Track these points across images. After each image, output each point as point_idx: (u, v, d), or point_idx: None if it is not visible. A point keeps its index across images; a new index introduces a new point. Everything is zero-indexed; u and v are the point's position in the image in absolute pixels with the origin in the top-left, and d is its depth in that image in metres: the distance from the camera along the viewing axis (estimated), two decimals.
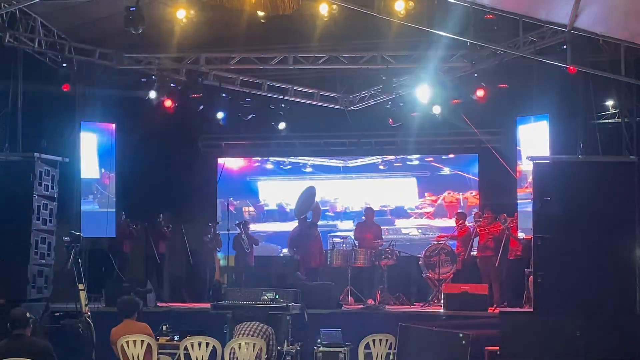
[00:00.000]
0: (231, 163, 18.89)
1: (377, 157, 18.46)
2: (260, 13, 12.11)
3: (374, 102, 17.03)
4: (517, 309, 13.33)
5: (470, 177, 17.96)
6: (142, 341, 9.48)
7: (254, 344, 9.72)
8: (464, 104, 15.33)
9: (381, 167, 18.50)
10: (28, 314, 7.73)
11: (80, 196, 15.03)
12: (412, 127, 16.70)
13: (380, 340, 10.36)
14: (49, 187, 13.20)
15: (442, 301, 13.67)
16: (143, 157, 16.79)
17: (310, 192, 16.67)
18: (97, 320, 10.70)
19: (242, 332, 9.93)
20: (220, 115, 16.18)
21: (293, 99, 16.76)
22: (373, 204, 17.22)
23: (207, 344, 9.83)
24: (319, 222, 16.55)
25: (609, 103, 15.39)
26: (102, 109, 15.78)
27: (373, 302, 14.32)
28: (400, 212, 18.18)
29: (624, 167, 11.81)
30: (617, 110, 14.97)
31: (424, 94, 14.95)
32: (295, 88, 16.85)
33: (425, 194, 18.20)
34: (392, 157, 18.41)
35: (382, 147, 18.35)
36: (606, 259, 11.49)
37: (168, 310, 13.74)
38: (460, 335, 9.89)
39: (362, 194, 18.31)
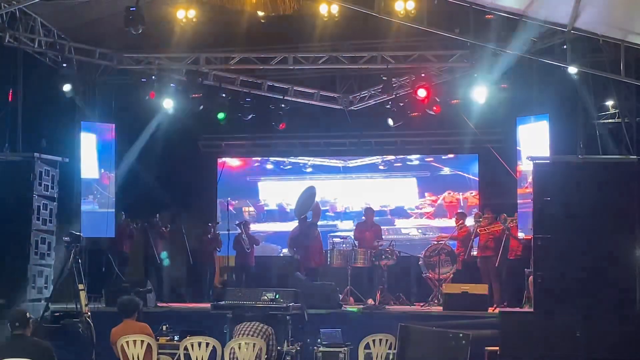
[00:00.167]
0: (231, 163, 18.90)
1: (377, 157, 18.46)
2: (261, 13, 12.12)
3: (374, 102, 17.03)
4: (517, 309, 13.33)
5: (470, 177, 17.96)
6: (142, 341, 9.48)
7: (254, 344, 9.71)
8: (464, 104, 15.35)
9: (381, 167, 18.50)
10: (28, 314, 7.72)
11: (80, 196, 15.04)
12: (412, 127, 16.72)
13: (380, 340, 10.37)
14: (49, 187, 13.21)
15: (442, 301, 13.68)
16: (143, 157, 16.79)
17: (310, 192, 16.66)
18: (97, 320, 10.70)
19: (242, 332, 9.92)
20: (221, 116, 16.17)
21: (293, 99, 16.76)
22: (373, 204, 17.22)
23: (207, 344, 9.84)
24: (319, 222, 16.55)
25: (609, 103, 15.39)
26: (102, 109, 15.79)
27: (373, 302, 14.31)
28: (400, 212, 18.18)
29: (624, 167, 11.81)
30: (617, 110, 14.96)
31: (424, 95, 14.96)
32: (295, 88, 16.85)
33: (426, 194, 18.21)
34: (392, 157, 18.41)
35: (382, 147, 18.35)
36: (606, 259, 11.48)
37: (168, 310, 13.75)
38: (460, 335, 9.88)
39: (362, 194, 18.31)
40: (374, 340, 10.36)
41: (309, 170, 18.73)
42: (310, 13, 12.63)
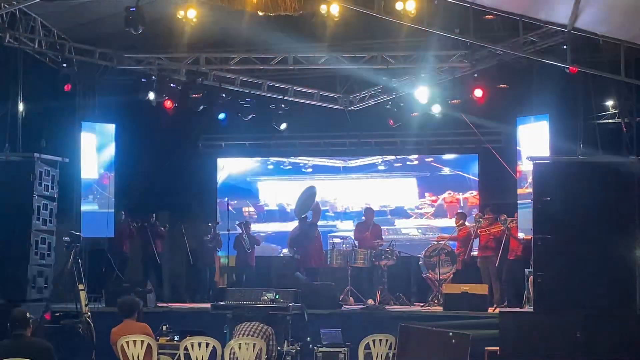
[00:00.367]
0: (231, 163, 18.89)
1: (377, 157, 18.45)
2: (261, 13, 12.11)
3: (374, 102, 17.04)
4: (517, 309, 13.33)
5: (471, 177, 17.97)
6: (142, 341, 9.48)
7: (254, 344, 9.71)
8: (464, 104, 15.36)
9: (381, 167, 18.50)
10: (28, 314, 7.72)
11: (81, 196, 15.04)
12: (412, 127, 16.73)
13: (380, 340, 10.36)
14: (49, 187, 13.19)
15: (442, 301, 13.68)
16: (143, 157, 16.80)
17: (310, 192, 16.66)
18: (97, 320, 10.71)
19: (242, 332, 9.92)
20: (221, 116, 16.17)
21: (293, 99, 16.77)
22: (373, 204, 17.23)
23: (207, 344, 9.83)
24: (319, 222, 16.55)
25: (609, 103, 15.39)
26: (101, 109, 15.80)
27: (373, 302, 14.31)
28: (400, 212, 18.18)
29: (624, 167, 11.80)
30: (617, 110, 14.98)
31: (423, 95, 14.97)
32: (295, 88, 16.85)
33: (426, 194, 18.21)
34: (392, 157, 18.41)
35: (382, 147, 18.35)
36: (606, 259, 11.47)
37: (168, 310, 13.75)
38: (460, 335, 9.88)
39: (362, 194, 18.31)
40: (374, 340, 10.35)
41: (309, 170, 18.72)
42: (310, 13, 12.62)
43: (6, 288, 12.45)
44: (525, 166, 14.03)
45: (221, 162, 18.72)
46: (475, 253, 15.27)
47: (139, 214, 16.48)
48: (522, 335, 11.52)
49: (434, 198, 18.14)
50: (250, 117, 16.21)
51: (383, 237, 15.88)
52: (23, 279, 12.66)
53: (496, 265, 14.32)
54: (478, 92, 14.50)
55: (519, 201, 14.46)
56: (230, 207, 17.59)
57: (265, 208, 18.76)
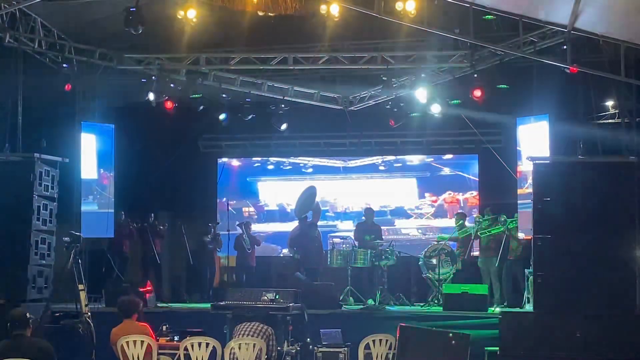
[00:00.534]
0: (231, 163, 18.90)
1: (377, 157, 18.46)
2: (261, 13, 12.12)
3: (374, 102, 17.03)
4: (517, 309, 13.33)
5: (471, 177, 17.97)
6: (142, 341, 9.48)
7: (254, 344, 9.72)
8: (464, 104, 15.35)
9: (381, 167, 18.50)
10: (28, 314, 7.73)
11: (80, 196, 15.04)
12: (412, 127, 16.73)
13: (380, 340, 10.37)
14: (49, 187, 13.20)
15: (442, 301, 13.67)
16: (143, 157, 16.80)
17: (310, 192, 16.66)
18: (97, 320, 10.70)
19: (242, 332, 9.93)
20: (222, 116, 16.17)
21: (293, 99, 16.76)
22: (373, 204, 17.24)
23: (207, 344, 9.84)
24: (319, 222, 16.55)
25: (609, 103, 15.39)
26: (101, 109, 15.79)
27: (373, 302, 14.31)
28: (400, 213, 18.18)
29: (624, 167, 11.80)
30: (617, 111, 14.97)
31: (423, 95, 14.99)
32: (295, 88, 16.84)
33: (426, 195, 18.21)
34: (392, 157, 18.42)
35: (382, 147, 18.35)
36: (606, 259, 11.48)
37: (168, 310, 13.74)
38: (460, 335, 9.90)
39: (362, 194, 18.31)
40: (374, 341, 10.36)
41: (309, 170, 18.73)
42: (310, 13, 12.62)
43: (6, 288, 12.46)
44: (525, 166, 14.03)
45: (222, 161, 18.73)
46: (475, 253, 15.27)
47: (139, 214, 16.48)
48: (522, 335, 11.52)
49: (434, 198, 18.15)
50: (250, 117, 16.20)
51: (383, 237, 15.86)
52: (23, 279, 12.67)
53: (496, 265, 14.33)
54: (477, 93, 14.51)
55: (519, 201, 14.46)
56: (230, 207, 17.60)
57: (265, 208, 18.76)
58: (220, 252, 16.64)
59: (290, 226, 17.14)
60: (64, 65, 14.67)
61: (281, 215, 18.54)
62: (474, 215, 15.99)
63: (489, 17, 12.53)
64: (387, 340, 10.37)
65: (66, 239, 11.01)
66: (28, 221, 12.79)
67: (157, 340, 9.99)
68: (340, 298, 14.26)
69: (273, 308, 11.49)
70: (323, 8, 12.11)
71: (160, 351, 9.92)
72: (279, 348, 10.44)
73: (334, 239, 16.51)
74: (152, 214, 16.51)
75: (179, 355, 9.85)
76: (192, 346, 9.82)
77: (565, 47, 12.50)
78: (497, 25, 13.38)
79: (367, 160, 18.52)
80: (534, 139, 14.31)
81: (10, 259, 12.69)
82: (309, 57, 15.33)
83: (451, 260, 14.79)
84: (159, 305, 14.29)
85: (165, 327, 10.86)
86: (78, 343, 10.52)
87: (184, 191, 17.83)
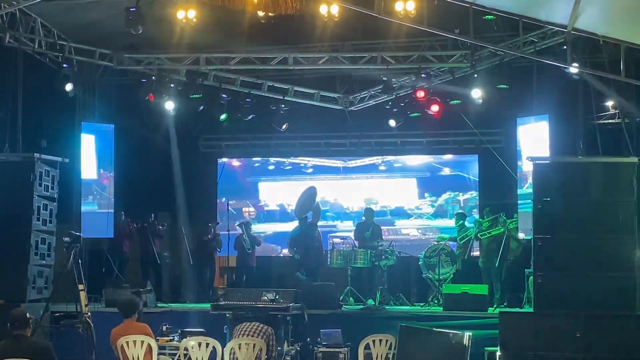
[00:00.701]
0: (231, 163, 18.89)
1: (377, 157, 18.46)
2: (261, 13, 12.12)
3: (374, 103, 17.03)
4: (517, 309, 13.33)
5: (471, 177, 17.97)
6: (142, 341, 9.48)
7: (254, 344, 9.72)
8: (464, 104, 15.36)
9: (381, 167, 18.50)
10: (28, 314, 7.72)
11: (80, 196, 15.04)
12: (412, 127, 16.73)
13: (380, 340, 10.36)
14: (49, 187, 13.20)
15: (442, 301, 13.67)
16: (143, 157, 16.79)
17: (310, 192, 16.67)
18: (97, 320, 10.68)
19: (242, 332, 9.93)
20: (223, 117, 16.18)
21: (293, 100, 16.76)
22: (373, 204, 17.21)
23: (207, 345, 9.83)
24: (319, 222, 16.55)
25: (609, 103, 15.38)
26: (101, 109, 15.79)
27: (373, 302, 14.31)
28: (400, 213, 18.18)
29: (624, 167, 11.80)
30: (617, 111, 14.96)
31: (424, 95, 15.06)
32: (296, 88, 16.84)
33: (425, 195, 18.21)
34: (392, 157, 18.42)
35: (382, 147, 18.35)
36: (606, 259, 11.47)
37: (168, 310, 13.74)
38: (460, 335, 9.88)
39: (362, 195, 18.31)
40: (374, 341, 10.35)
41: (309, 170, 18.73)
42: (310, 13, 12.63)
43: (6, 288, 12.46)
44: (525, 166, 14.03)
45: (222, 161, 18.74)
46: (475, 253, 15.27)
47: (139, 214, 16.48)
48: (522, 335, 11.52)
49: (434, 198, 18.14)
50: (250, 117, 16.20)
51: (383, 237, 15.86)
52: (23, 279, 12.66)
53: (496, 265, 14.33)
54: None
55: (519, 201, 14.46)
56: (230, 207, 17.59)
57: (266, 208, 18.76)
58: (220, 252, 16.64)
59: (290, 226, 17.14)
60: (64, 65, 14.66)
61: (281, 215, 18.54)
62: (474, 221, 15.96)
63: (489, 17, 12.51)
64: (387, 340, 10.37)
65: (66, 239, 11.00)
66: (28, 221, 12.78)
67: (157, 340, 9.98)
68: (340, 298, 14.25)
69: (273, 308, 11.49)
70: (323, 8, 12.11)
71: (160, 351, 9.92)
72: (279, 348, 10.45)
73: (334, 239, 16.50)
74: (152, 214, 16.50)
75: (179, 355, 9.85)
76: (192, 346, 9.81)
77: (565, 47, 12.49)
78: (497, 25, 13.37)
79: (367, 160, 18.52)
80: (534, 139, 14.32)
81: (10, 259, 12.68)
82: (309, 57, 15.33)
83: (451, 260, 14.80)
84: (159, 305, 14.29)
85: (165, 327, 10.86)
86: (78, 343, 10.51)
87: (184, 191, 17.81)
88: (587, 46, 12.78)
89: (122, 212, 16.07)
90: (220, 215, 17.81)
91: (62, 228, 13.15)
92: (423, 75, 15.06)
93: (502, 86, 14.47)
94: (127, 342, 9.41)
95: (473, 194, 17.84)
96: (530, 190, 12.52)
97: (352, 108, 17.28)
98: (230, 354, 9.76)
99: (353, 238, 15.82)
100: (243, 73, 16.30)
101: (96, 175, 15.55)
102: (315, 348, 11.31)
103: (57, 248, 12.95)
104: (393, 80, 15.66)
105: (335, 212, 18.47)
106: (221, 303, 12.05)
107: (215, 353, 9.85)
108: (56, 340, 10.88)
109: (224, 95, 16.04)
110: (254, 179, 18.86)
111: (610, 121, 15.54)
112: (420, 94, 15.08)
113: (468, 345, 9.75)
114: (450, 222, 16.82)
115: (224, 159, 18.81)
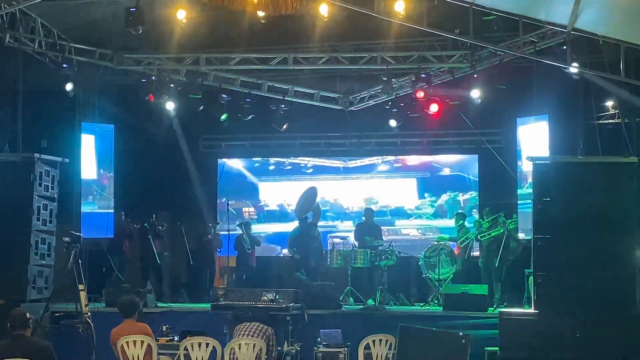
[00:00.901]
0: (231, 163, 18.90)
1: (377, 157, 18.46)
2: (261, 13, 12.12)
3: (374, 103, 17.04)
4: (517, 309, 13.32)
5: (470, 177, 17.97)
6: (142, 341, 9.47)
7: (254, 344, 9.71)
8: (464, 104, 15.37)
9: (381, 167, 18.50)
10: (28, 315, 7.72)
11: (80, 197, 15.04)
12: (412, 127, 16.73)
13: (380, 340, 10.35)
14: (49, 187, 13.21)
15: (442, 301, 13.67)
16: (143, 157, 16.79)
17: (311, 193, 16.67)
18: (97, 320, 10.69)
19: (242, 332, 9.92)
20: (224, 117, 16.17)
21: (293, 100, 16.76)
22: (373, 204, 17.20)
23: (207, 345, 9.83)
24: (319, 223, 16.55)
25: (609, 103, 15.39)
26: (101, 109, 15.80)
27: (373, 302, 14.30)
28: (400, 213, 18.18)
29: (624, 167, 11.80)
30: (617, 111, 14.97)
31: (423, 95, 15.09)
32: (295, 88, 16.85)
33: (425, 195, 18.21)
34: (392, 157, 18.42)
35: (382, 147, 18.36)
36: (606, 259, 11.47)
37: (168, 310, 13.74)
38: (460, 335, 9.88)
39: (362, 195, 18.32)
40: (374, 341, 10.34)
41: (309, 170, 18.73)
42: (310, 13, 12.63)
43: (6, 288, 12.46)
44: (525, 166, 14.03)
45: (222, 161, 18.74)
46: (475, 253, 15.27)
47: (139, 214, 16.47)
48: (522, 335, 11.52)
49: (433, 198, 18.14)
50: (250, 117, 16.20)
51: (383, 237, 15.86)
52: (23, 279, 12.68)
53: (496, 265, 14.33)
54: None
55: (518, 201, 14.46)
56: (230, 207, 17.59)
57: (266, 208, 18.76)
58: (220, 252, 16.64)
59: (290, 226, 17.14)
60: (64, 65, 14.67)
61: (281, 215, 18.54)
62: (474, 215, 15.98)
63: (489, 17, 12.51)
64: (387, 340, 10.36)
65: (66, 239, 11.02)
66: (28, 221, 12.80)
67: (157, 340, 9.98)
68: (340, 298, 14.25)
69: (273, 308, 11.49)
70: (323, 8, 12.11)
71: (160, 351, 9.92)
72: (279, 348, 10.44)
73: (334, 239, 16.50)
74: (152, 214, 16.50)
75: (179, 356, 9.85)
76: (192, 346, 9.80)
77: (565, 47, 12.49)
78: (497, 25, 13.37)
79: (367, 161, 18.52)
80: (534, 139, 14.32)
81: (10, 259, 12.69)
82: (309, 57, 15.34)
83: (451, 260, 14.80)
84: (159, 305, 14.29)
85: (165, 327, 10.85)
86: (78, 343, 10.52)
87: (184, 191, 17.82)
88: (587, 46, 12.78)
89: (122, 212, 16.07)
90: (220, 215, 17.81)
91: (62, 228, 13.17)
92: (423, 76, 15.04)
93: (502, 86, 14.48)
94: (127, 342, 9.41)
95: (473, 194, 17.84)
96: (530, 190, 12.52)
97: (352, 108, 17.28)
98: (230, 354, 9.76)
99: (353, 238, 15.81)
100: (243, 73, 16.30)
101: (96, 175, 15.55)
102: (315, 348, 11.30)
103: (57, 248, 12.96)
104: (393, 80, 15.66)
105: (335, 212, 18.47)
106: (221, 303, 12.04)
107: (215, 353, 9.84)
108: (56, 340, 10.86)
109: (224, 96, 16.03)
110: (254, 179, 18.86)
111: (610, 121, 15.55)
112: (420, 94, 15.08)
113: (468, 345, 9.75)
114: (450, 222, 16.81)
115: (224, 159, 18.81)
